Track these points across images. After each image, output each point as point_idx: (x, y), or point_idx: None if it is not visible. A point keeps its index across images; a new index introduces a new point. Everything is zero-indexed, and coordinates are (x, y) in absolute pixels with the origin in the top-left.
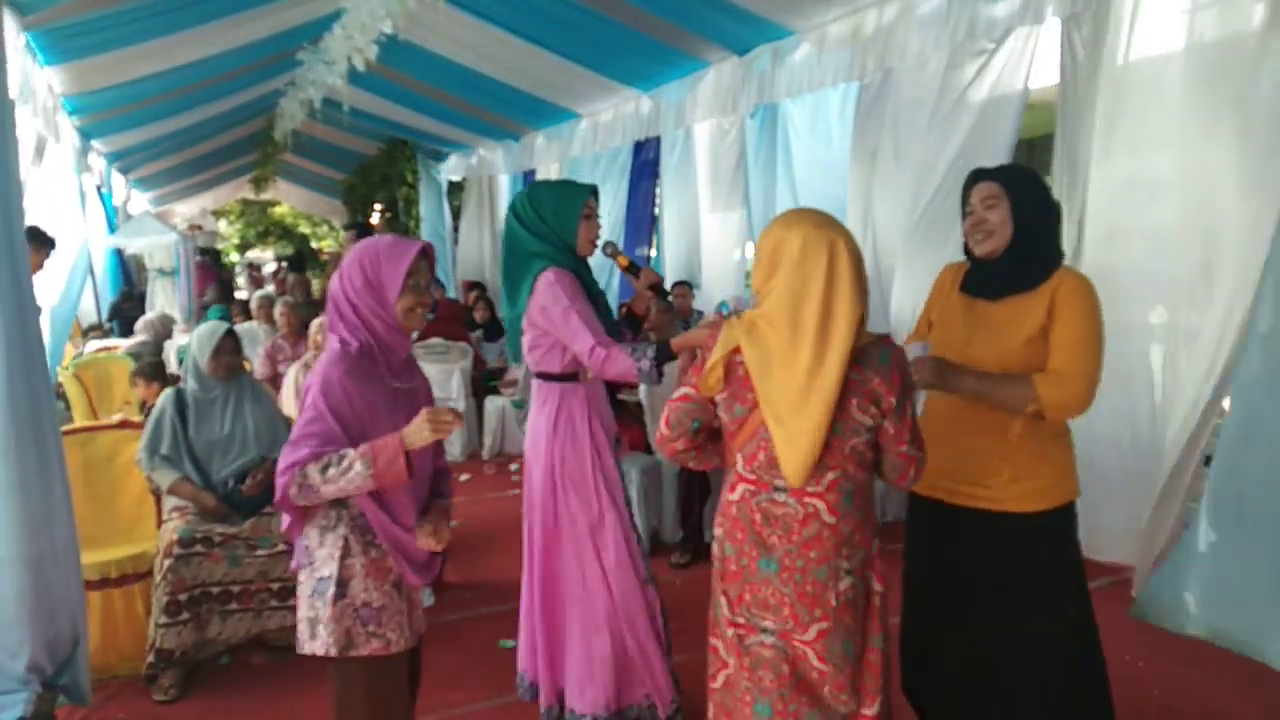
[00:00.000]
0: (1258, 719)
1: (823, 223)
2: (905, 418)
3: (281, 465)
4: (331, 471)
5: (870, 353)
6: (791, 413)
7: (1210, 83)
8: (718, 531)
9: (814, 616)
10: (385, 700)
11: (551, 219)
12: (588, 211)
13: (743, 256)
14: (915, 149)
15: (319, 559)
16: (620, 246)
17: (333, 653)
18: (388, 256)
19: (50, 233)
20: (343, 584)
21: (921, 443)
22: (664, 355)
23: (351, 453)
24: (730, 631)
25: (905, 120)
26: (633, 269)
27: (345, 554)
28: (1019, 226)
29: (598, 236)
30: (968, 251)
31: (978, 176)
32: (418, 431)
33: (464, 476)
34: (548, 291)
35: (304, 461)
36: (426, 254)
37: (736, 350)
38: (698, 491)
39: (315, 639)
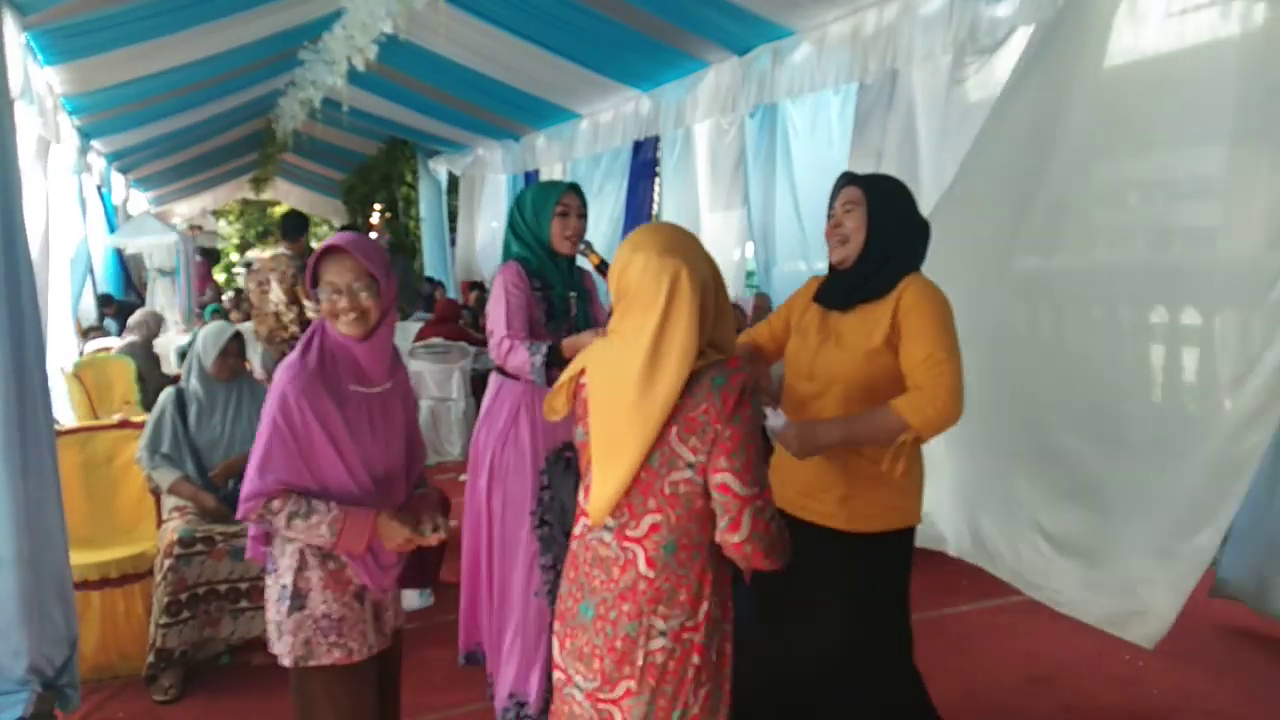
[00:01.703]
0: (1258, 719)
1: (670, 247)
2: (725, 442)
3: (246, 490)
4: (298, 523)
5: (703, 376)
6: (609, 445)
7: (1208, 82)
8: (565, 568)
9: (622, 674)
10: (349, 708)
11: (530, 216)
12: (562, 209)
13: (742, 256)
14: (920, 150)
15: (281, 567)
16: (595, 251)
17: (287, 663)
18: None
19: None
20: (299, 595)
21: (760, 490)
22: (554, 356)
23: (321, 509)
24: (555, 675)
25: (909, 121)
26: (603, 267)
27: (301, 566)
28: (872, 235)
29: (575, 234)
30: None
31: (846, 180)
32: (393, 533)
33: (464, 477)
34: (494, 283)
35: (270, 494)
36: (336, 250)
37: (583, 372)
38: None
39: (277, 643)
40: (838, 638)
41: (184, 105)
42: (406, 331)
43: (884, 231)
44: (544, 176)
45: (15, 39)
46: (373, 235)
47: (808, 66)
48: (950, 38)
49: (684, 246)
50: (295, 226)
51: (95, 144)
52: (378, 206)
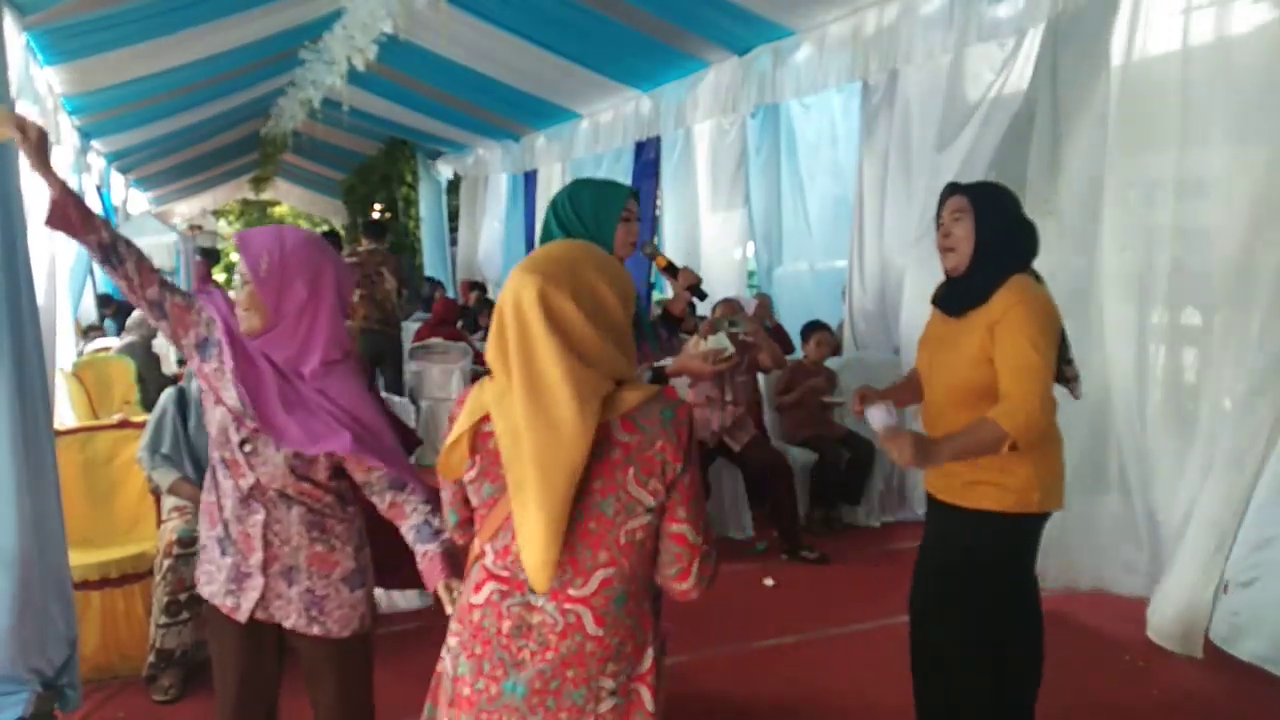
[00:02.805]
0: (1258, 718)
1: (533, 264)
2: (683, 488)
3: None
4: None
5: (649, 411)
6: (528, 497)
7: (1208, 82)
8: (451, 640)
9: None
10: (213, 638)
11: (589, 219)
12: (627, 214)
13: (743, 256)
14: (925, 151)
15: None
16: (661, 252)
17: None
18: None
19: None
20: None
21: (706, 533)
22: (658, 379)
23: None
24: None
25: (913, 121)
26: (671, 269)
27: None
28: (980, 242)
29: (637, 239)
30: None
31: (951, 190)
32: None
33: None
34: None
35: None
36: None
37: (486, 419)
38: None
39: None
40: (962, 611)
41: (184, 105)
42: (407, 332)
43: (992, 239)
44: (543, 177)
45: (16, 39)
46: None
47: (809, 67)
48: (952, 38)
49: (548, 265)
50: (378, 228)
51: (95, 144)
52: (378, 206)
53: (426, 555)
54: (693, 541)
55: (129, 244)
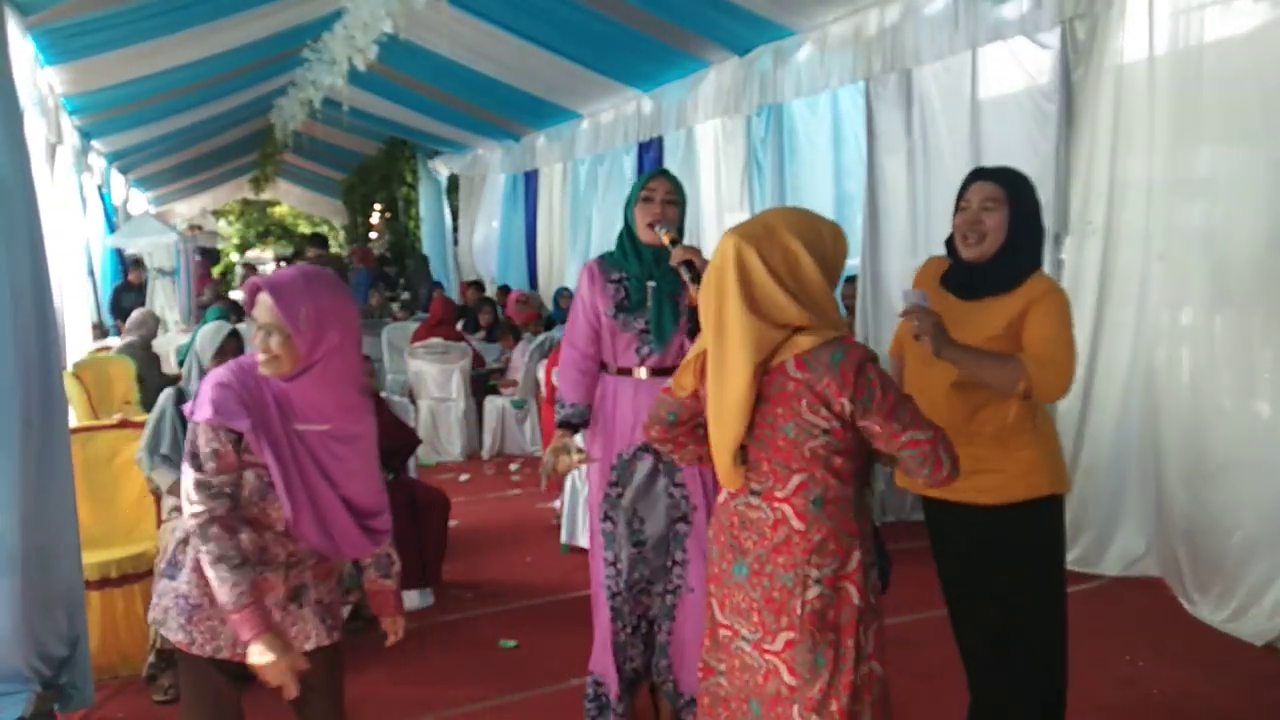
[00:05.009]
0: (1258, 719)
1: (739, 228)
2: (882, 411)
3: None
4: (218, 568)
5: (820, 354)
6: (714, 418)
7: (1216, 82)
8: (710, 533)
9: (780, 625)
10: (194, 693)
11: (627, 206)
12: (646, 194)
13: None
14: (933, 149)
15: (178, 532)
16: (671, 229)
17: (148, 619)
18: None
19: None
20: (174, 565)
21: (930, 423)
22: (570, 425)
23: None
24: (721, 633)
25: (921, 121)
26: (674, 244)
27: (186, 540)
28: (1013, 234)
29: (657, 220)
30: (950, 249)
31: (979, 175)
32: (261, 654)
33: (464, 477)
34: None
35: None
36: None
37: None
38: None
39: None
40: (991, 618)
41: (184, 105)
42: (406, 332)
43: (1024, 231)
44: (544, 177)
45: (20, 42)
46: (372, 235)
47: (810, 67)
48: (955, 38)
49: (751, 227)
50: (321, 238)
51: (95, 144)
52: (378, 206)
53: (379, 587)
54: (923, 439)
55: (222, 519)
